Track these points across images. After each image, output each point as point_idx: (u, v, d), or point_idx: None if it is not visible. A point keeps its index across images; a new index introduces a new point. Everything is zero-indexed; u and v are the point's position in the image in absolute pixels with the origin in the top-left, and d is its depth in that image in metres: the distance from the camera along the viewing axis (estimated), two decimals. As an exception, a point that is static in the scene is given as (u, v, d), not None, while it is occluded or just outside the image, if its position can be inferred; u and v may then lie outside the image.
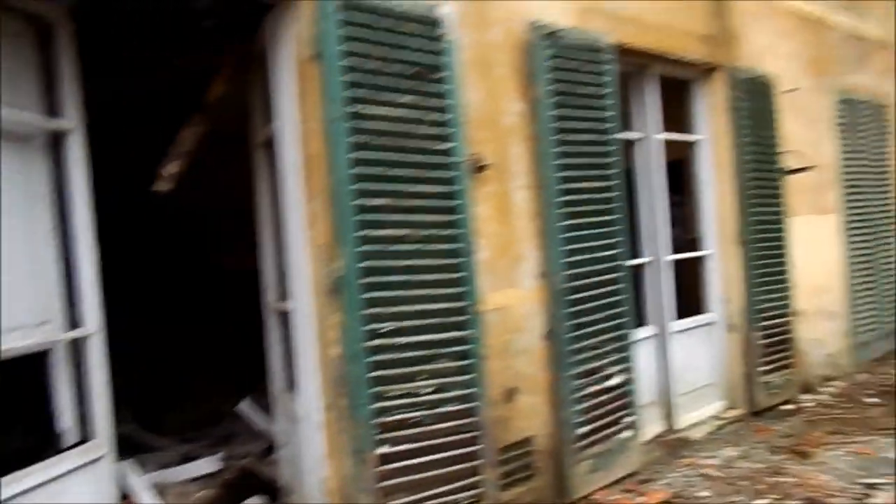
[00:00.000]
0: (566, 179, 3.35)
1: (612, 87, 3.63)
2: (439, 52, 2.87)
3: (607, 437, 3.49)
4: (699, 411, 4.42)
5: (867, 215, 5.92)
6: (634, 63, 4.12)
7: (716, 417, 4.47)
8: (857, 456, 3.83)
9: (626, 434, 3.59)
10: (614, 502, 3.38)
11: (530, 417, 3.26)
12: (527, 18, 3.32)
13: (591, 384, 3.43)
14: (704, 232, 4.64)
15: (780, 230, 4.83)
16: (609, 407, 3.51)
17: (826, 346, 5.40)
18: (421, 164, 2.80)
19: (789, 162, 5.02)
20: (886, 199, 6.23)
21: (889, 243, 6.22)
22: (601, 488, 3.45)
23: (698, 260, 4.65)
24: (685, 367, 4.39)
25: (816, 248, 5.34)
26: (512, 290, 3.22)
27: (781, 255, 4.83)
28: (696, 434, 4.24)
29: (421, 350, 2.75)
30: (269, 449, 3.72)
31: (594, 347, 3.45)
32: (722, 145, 4.56)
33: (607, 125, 3.59)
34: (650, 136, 4.26)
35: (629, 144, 4.25)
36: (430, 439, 2.76)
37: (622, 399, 3.59)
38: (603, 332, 3.49)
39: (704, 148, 4.60)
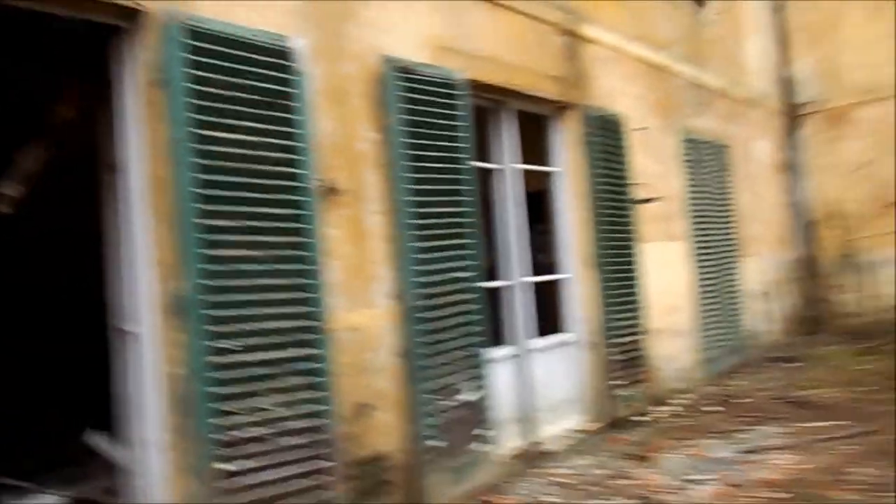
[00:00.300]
0: (419, 204, 3.55)
1: (465, 120, 3.90)
2: (288, 82, 3.01)
3: (462, 450, 3.65)
4: (559, 425, 4.69)
5: (712, 242, 6.56)
6: (492, 98, 4.45)
7: (576, 430, 4.75)
8: (690, 457, 4.20)
9: (481, 447, 3.76)
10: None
11: (385, 433, 3.36)
12: (381, 53, 3.54)
13: (445, 400, 3.59)
14: (563, 256, 4.99)
15: (631, 255, 5.27)
16: (464, 422, 3.68)
17: (677, 361, 5.88)
18: (269, 188, 2.90)
19: (639, 193, 5.52)
20: (729, 228, 6.93)
21: (733, 267, 6.90)
22: (457, 499, 3.59)
23: (559, 282, 4.99)
24: (546, 383, 4.66)
25: (667, 271, 5.86)
26: (366, 310, 3.35)
27: (633, 278, 5.27)
28: (555, 446, 4.49)
29: (267, 367, 2.81)
30: (122, 481, 3.59)
31: (447, 364, 3.62)
32: (576, 177, 4.96)
33: (460, 155, 3.84)
34: (508, 167, 4.58)
35: (488, 174, 4.55)
36: (277, 455, 2.80)
37: (477, 414, 3.77)
38: (456, 350, 3.68)
39: (561, 179, 4.99)
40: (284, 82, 2.99)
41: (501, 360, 4.35)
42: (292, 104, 3.01)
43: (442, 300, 3.61)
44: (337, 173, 3.27)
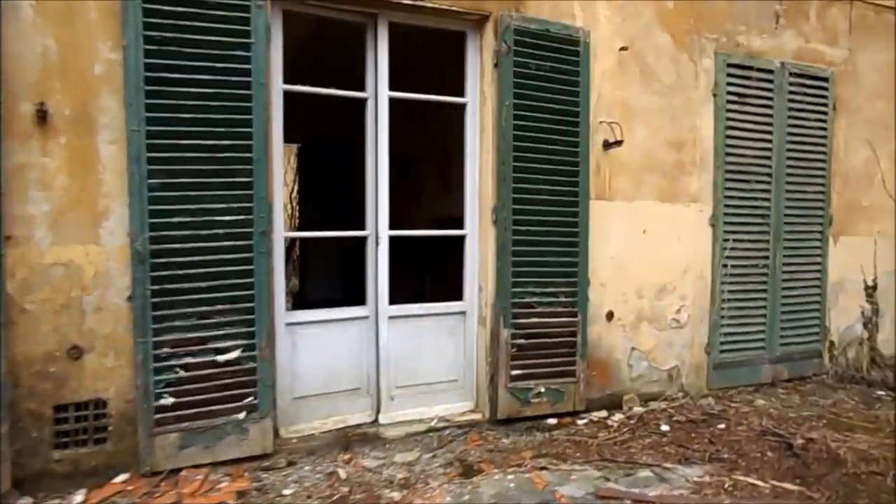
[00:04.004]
0: (170, 135, 3.10)
1: (256, 35, 3.26)
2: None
3: (211, 413, 3.26)
4: (420, 408, 3.96)
5: (762, 210, 4.78)
6: (358, 11, 3.68)
7: (441, 418, 3.96)
8: (523, 482, 3.21)
9: (240, 415, 3.32)
10: (194, 482, 3.16)
11: (103, 378, 3.13)
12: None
13: (190, 355, 3.20)
14: (466, 209, 4.06)
15: (570, 213, 4.04)
16: (216, 382, 3.26)
17: (660, 360, 4.51)
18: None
19: (604, 135, 4.20)
20: (809, 193, 4.97)
21: (809, 248, 4.99)
22: (195, 466, 3.24)
23: (462, 241, 4.10)
24: (414, 357, 3.95)
25: (656, 240, 4.45)
26: (84, 246, 3.08)
27: (572, 244, 4.06)
28: (395, 432, 3.79)
29: None
30: None
31: (200, 317, 3.21)
32: (489, 110, 3.90)
33: (243, 78, 3.23)
34: (380, 95, 3.79)
35: (360, 104, 3.85)
36: None
37: (238, 377, 3.31)
38: (214, 301, 3.23)
39: (470, 113, 4.00)
40: None
41: (348, 321, 3.79)
42: (-28, 18, 2.79)
43: (195, 244, 3.17)
44: (56, 97, 3.00)
